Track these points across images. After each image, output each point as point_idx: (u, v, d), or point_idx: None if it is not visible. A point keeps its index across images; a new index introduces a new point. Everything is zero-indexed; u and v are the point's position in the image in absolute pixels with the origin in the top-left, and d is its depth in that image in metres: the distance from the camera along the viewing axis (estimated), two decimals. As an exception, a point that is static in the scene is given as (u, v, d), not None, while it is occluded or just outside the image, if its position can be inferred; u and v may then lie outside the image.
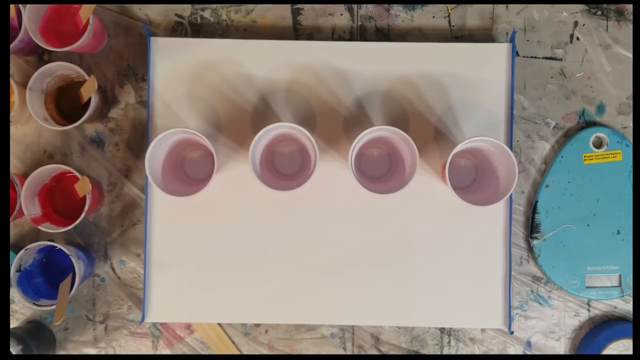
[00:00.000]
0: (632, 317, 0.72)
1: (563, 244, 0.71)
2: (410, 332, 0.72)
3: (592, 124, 0.73)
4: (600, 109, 0.73)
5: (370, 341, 0.72)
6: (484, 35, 0.73)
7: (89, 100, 0.66)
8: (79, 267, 0.65)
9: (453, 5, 0.73)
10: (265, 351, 0.72)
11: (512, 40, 0.71)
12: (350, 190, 0.65)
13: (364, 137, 0.63)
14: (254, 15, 0.73)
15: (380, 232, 0.70)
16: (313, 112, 0.71)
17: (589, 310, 0.72)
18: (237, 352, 0.72)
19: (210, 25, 0.73)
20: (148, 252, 0.70)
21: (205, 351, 0.72)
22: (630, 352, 0.71)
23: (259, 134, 0.61)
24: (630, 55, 0.72)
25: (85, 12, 0.64)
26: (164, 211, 0.70)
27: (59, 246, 0.66)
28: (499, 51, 0.71)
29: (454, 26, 0.73)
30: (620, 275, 0.71)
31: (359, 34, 0.73)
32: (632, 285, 0.70)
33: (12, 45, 0.64)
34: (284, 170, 0.71)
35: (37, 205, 0.67)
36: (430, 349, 0.72)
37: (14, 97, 0.65)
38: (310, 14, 0.73)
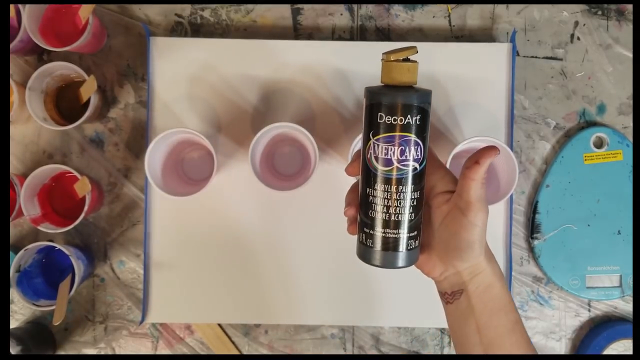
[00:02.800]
0: (632, 317, 0.72)
1: (563, 244, 0.71)
2: (411, 332, 0.72)
3: (593, 124, 0.72)
4: (601, 108, 0.72)
5: (370, 341, 0.72)
6: (484, 35, 0.73)
7: (89, 100, 0.66)
8: (78, 267, 0.65)
9: (453, 5, 0.73)
10: (265, 351, 0.72)
11: (512, 40, 0.70)
12: (350, 190, 0.65)
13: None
14: (253, 15, 0.73)
15: (381, 232, 0.70)
16: (313, 112, 0.71)
17: (589, 310, 0.72)
18: (237, 353, 0.72)
19: (210, 25, 0.73)
20: (148, 253, 0.70)
21: (205, 351, 0.72)
22: (630, 352, 0.70)
23: (259, 134, 0.61)
24: (631, 55, 0.72)
25: (85, 12, 0.64)
26: (164, 211, 0.70)
27: (58, 246, 0.66)
28: (500, 51, 0.71)
29: (454, 26, 0.73)
30: (620, 276, 0.71)
31: (359, 33, 0.73)
32: (632, 286, 0.70)
33: (11, 45, 0.64)
34: (284, 170, 0.71)
35: (36, 205, 0.67)
36: (431, 349, 0.72)
37: (14, 97, 0.65)
38: (310, 13, 0.73)
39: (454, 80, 0.70)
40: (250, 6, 0.72)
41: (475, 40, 0.72)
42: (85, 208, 0.65)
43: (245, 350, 0.72)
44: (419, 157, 0.44)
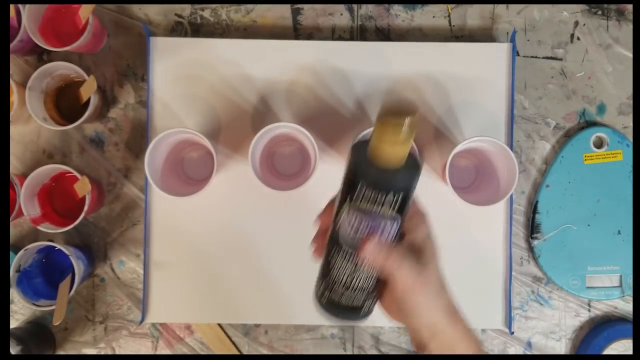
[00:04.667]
0: (632, 317, 0.72)
1: (564, 244, 0.71)
2: (411, 332, 0.72)
3: (593, 123, 0.72)
4: (601, 108, 0.72)
5: (370, 341, 0.72)
6: (484, 35, 0.73)
7: (89, 100, 0.66)
8: (78, 267, 0.65)
9: (453, 5, 0.73)
10: (265, 351, 0.72)
11: (512, 40, 0.70)
12: (350, 190, 0.65)
13: (364, 137, 0.63)
14: (253, 15, 0.73)
15: (381, 232, 0.70)
16: (313, 112, 0.71)
17: (589, 310, 0.72)
18: (237, 353, 0.72)
19: (210, 25, 0.73)
20: (147, 253, 0.70)
21: (205, 351, 0.72)
22: (630, 352, 0.70)
23: (259, 134, 0.61)
24: (631, 55, 0.72)
25: (85, 11, 0.64)
26: (164, 211, 0.70)
27: (58, 246, 0.66)
28: (500, 51, 0.71)
29: (454, 26, 0.73)
30: (620, 276, 0.70)
31: (359, 33, 0.73)
32: (632, 286, 0.70)
33: (11, 45, 0.64)
34: (284, 170, 0.71)
35: (36, 205, 0.67)
36: (431, 350, 0.72)
37: (14, 97, 0.65)
38: (310, 13, 0.73)
39: (454, 80, 0.70)
40: (250, 6, 0.72)
41: (475, 40, 0.72)
42: (85, 208, 0.65)
43: (245, 350, 0.72)
44: (393, 234, 0.42)
